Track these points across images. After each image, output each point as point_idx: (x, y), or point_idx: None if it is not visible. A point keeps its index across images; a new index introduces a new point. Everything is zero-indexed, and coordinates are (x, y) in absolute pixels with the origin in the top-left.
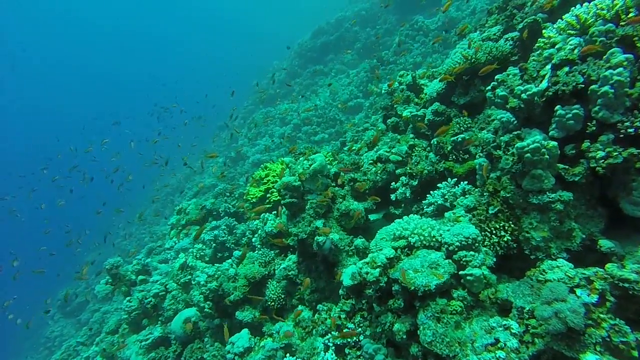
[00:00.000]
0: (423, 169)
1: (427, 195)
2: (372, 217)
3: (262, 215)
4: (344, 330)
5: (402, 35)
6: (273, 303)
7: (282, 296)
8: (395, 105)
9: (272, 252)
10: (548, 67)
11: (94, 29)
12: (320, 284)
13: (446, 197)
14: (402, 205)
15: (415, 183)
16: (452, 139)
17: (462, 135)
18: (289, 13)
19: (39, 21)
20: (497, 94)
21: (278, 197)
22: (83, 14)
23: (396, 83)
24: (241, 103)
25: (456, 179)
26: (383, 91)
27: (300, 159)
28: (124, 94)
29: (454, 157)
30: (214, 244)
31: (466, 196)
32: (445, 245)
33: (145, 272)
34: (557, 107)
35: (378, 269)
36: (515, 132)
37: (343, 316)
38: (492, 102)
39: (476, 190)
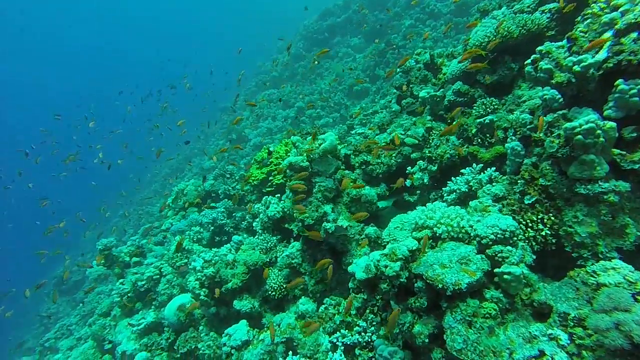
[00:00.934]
0: (444, 153)
1: (448, 182)
2: (381, 204)
3: (264, 198)
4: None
5: (412, 19)
6: (274, 293)
7: (284, 286)
8: (411, 85)
9: (274, 238)
10: (608, 34)
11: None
12: (325, 274)
13: (471, 184)
14: (418, 192)
15: (434, 168)
16: (479, 120)
17: (490, 117)
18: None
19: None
20: (541, 67)
21: (281, 180)
22: None
23: (412, 61)
24: (245, 84)
25: (482, 164)
26: (398, 70)
27: (308, 138)
28: (134, 72)
29: (479, 140)
30: (212, 227)
31: (493, 184)
32: (477, 238)
33: (140, 254)
34: (619, 81)
35: (399, 262)
36: (561, 112)
37: (353, 312)
38: (532, 77)
39: (504, 177)
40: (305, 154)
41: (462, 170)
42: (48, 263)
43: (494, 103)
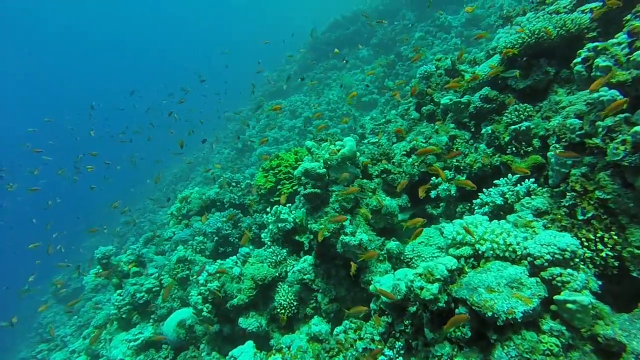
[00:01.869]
0: (473, 162)
1: (479, 194)
2: (399, 216)
3: (274, 207)
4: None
5: (422, 31)
6: (283, 310)
7: (295, 303)
8: (432, 92)
9: (284, 250)
10: None
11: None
12: (340, 292)
13: (506, 196)
14: (442, 204)
15: (462, 178)
16: (513, 127)
17: (526, 124)
18: (307, 6)
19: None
20: (598, 65)
21: (290, 189)
22: None
23: (432, 66)
24: (251, 95)
25: (518, 175)
26: (418, 75)
27: (324, 144)
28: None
29: (513, 149)
30: (216, 237)
31: (532, 197)
32: (529, 258)
33: (139, 263)
34: None
35: (437, 284)
36: (623, 115)
37: (377, 338)
38: (583, 78)
39: (543, 189)
40: (323, 159)
41: (495, 181)
42: (48, 270)
43: (528, 109)
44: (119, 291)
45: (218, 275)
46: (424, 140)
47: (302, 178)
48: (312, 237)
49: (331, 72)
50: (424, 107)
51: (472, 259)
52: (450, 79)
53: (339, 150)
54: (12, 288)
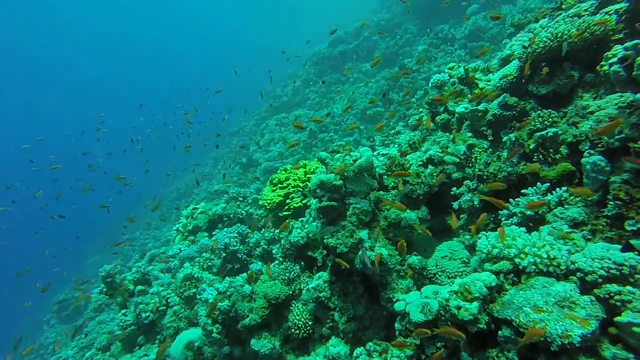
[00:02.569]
0: (497, 171)
1: (507, 204)
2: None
3: (289, 222)
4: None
5: (425, 44)
6: (298, 331)
7: (310, 323)
8: (446, 101)
9: (297, 266)
10: None
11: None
12: (358, 310)
13: None
14: (463, 215)
15: (487, 188)
16: (539, 134)
17: (553, 129)
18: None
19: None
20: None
21: (299, 204)
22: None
23: (445, 75)
24: (254, 110)
25: (548, 184)
26: (431, 84)
27: (337, 155)
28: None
29: (540, 157)
30: (224, 254)
31: (565, 206)
32: (578, 274)
33: (144, 281)
34: None
35: (476, 303)
36: None
37: None
38: (621, 78)
39: (576, 199)
40: (338, 173)
41: (523, 191)
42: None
43: (553, 115)
44: (123, 311)
45: (228, 293)
46: (440, 150)
47: (318, 190)
48: (325, 252)
49: (335, 86)
50: (438, 117)
51: (512, 275)
52: (464, 87)
53: (355, 161)
54: (16, 305)
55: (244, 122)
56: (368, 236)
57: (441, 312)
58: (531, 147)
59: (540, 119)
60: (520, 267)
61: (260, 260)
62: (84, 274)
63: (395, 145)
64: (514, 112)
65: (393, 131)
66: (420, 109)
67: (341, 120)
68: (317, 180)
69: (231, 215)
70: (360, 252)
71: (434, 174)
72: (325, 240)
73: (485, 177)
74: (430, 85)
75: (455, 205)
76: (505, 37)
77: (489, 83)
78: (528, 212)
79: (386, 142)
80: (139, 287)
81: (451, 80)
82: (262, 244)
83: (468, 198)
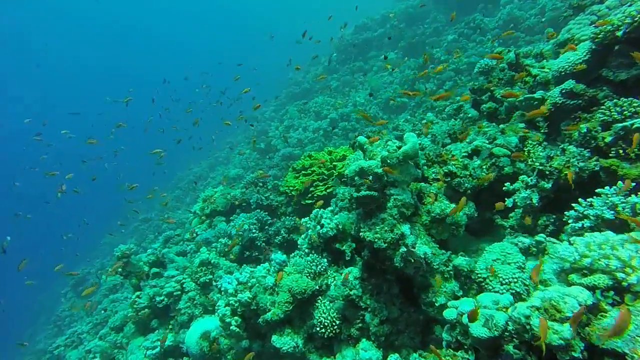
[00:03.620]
0: (563, 166)
1: (574, 205)
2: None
3: (314, 211)
4: None
5: (455, 33)
6: (324, 330)
7: (337, 322)
8: (493, 88)
9: (324, 260)
10: None
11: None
12: (392, 311)
13: (618, 208)
14: (513, 214)
15: (548, 185)
16: (620, 125)
17: (638, 121)
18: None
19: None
20: None
21: (324, 192)
22: None
23: (492, 61)
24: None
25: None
26: (476, 69)
27: (378, 141)
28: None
29: (619, 152)
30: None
31: None
32: None
33: (160, 264)
34: None
35: (568, 325)
36: None
37: None
38: None
39: None
40: (381, 157)
41: (598, 190)
42: (67, 264)
43: (634, 104)
44: (137, 293)
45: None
46: (487, 141)
47: (356, 178)
48: (354, 245)
49: (358, 74)
50: (484, 105)
51: (612, 293)
52: (514, 73)
53: (399, 148)
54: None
55: (264, 107)
56: (410, 231)
57: (509, 327)
58: (607, 140)
59: (618, 108)
60: (626, 283)
61: (279, 248)
62: (98, 253)
63: (429, 136)
64: (581, 101)
65: (422, 122)
66: (457, 97)
67: (364, 109)
68: (357, 167)
69: (251, 201)
70: (403, 249)
71: (484, 167)
72: (361, 234)
73: (547, 172)
74: (475, 70)
75: (508, 202)
76: (549, 26)
77: (543, 70)
78: (607, 215)
79: (417, 133)
80: (154, 270)
81: (500, 65)
82: (282, 232)
83: (525, 195)
